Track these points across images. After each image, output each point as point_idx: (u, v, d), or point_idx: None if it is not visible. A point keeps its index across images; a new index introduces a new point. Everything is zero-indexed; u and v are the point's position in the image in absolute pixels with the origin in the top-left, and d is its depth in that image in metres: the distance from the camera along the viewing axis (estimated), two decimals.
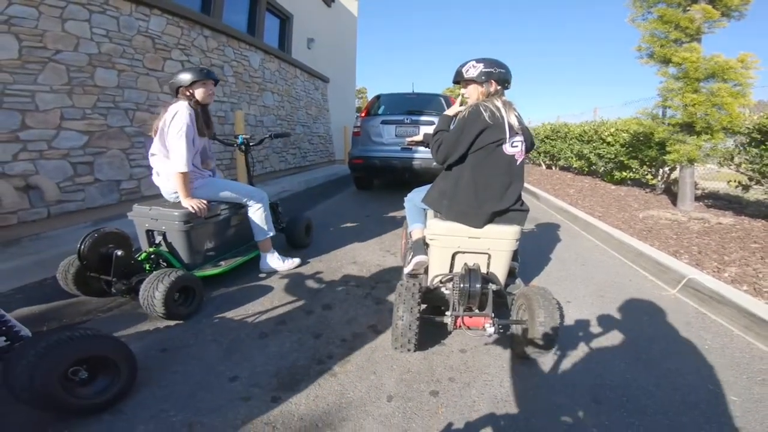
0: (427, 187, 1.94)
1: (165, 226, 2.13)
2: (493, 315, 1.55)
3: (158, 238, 2.19)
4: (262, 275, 2.51)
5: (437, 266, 1.77)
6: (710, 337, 1.84)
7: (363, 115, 5.59)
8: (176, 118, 2.08)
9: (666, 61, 4.02)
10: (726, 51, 4.09)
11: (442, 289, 1.74)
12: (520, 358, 1.61)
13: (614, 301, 2.23)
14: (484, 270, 1.69)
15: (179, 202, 2.24)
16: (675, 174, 4.90)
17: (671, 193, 4.95)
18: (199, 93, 2.21)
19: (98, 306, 2.01)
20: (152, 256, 2.09)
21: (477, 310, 1.59)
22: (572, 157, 7.60)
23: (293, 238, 2.99)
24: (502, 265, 1.72)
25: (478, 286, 1.51)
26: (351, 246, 3.17)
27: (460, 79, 1.75)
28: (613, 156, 6.04)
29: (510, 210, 1.69)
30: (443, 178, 1.82)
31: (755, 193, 4.23)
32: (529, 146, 1.74)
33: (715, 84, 3.71)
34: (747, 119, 3.85)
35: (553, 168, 9.04)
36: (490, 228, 1.66)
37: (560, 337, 1.59)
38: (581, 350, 1.72)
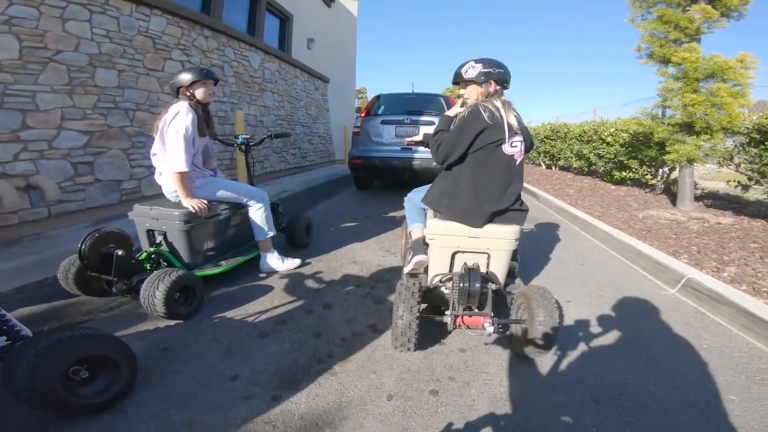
0: (427, 187, 1.94)
1: (166, 226, 2.14)
2: (492, 314, 1.56)
3: (159, 238, 2.19)
4: (262, 275, 2.51)
5: (437, 266, 1.77)
6: (709, 337, 1.85)
7: (363, 115, 5.59)
8: (176, 119, 2.09)
9: (665, 61, 4.02)
10: (725, 51, 4.10)
11: (442, 289, 1.75)
12: (520, 357, 1.62)
13: (613, 301, 2.23)
14: (483, 269, 1.69)
15: (180, 201, 2.24)
16: (675, 174, 4.91)
17: (671, 193, 4.96)
18: (199, 93, 2.22)
19: (99, 306, 2.02)
20: (153, 255, 2.09)
21: (476, 310, 1.60)
22: (572, 157, 7.60)
23: (293, 238, 2.99)
24: (502, 264, 1.72)
25: (478, 285, 1.51)
26: (351, 246, 3.18)
27: (459, 80, 1.76)
28: (612, 156, 6.05)
29: (509, 210, 1.69)
30: (443, 178, 1.82)
31: (755, 193, 4.24)
32: (529, 146, 1.75)
33: (714, 84, 3.72)
34: (746, 119, 3.85)
35: (553, 168, 9.04)
36: (490, 228, 1.66)
37: (560, 337, 1.60)
38: (580, 350, 1.73)
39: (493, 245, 1.68)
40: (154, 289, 1.75)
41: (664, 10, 4.00)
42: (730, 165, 4.17)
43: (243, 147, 2.81)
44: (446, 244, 1.71)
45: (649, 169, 5.52)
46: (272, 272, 2.55)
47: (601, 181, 6.46)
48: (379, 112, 5.65)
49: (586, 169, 7.16)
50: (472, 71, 1.68)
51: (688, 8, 3.94)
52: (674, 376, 1.54)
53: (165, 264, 2.11)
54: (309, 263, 2.75)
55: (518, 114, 1.70)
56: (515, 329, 1.67)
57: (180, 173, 2.09)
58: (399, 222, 3.85)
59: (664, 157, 4.32)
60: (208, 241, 2.34)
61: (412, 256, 1.90)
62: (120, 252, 1.90)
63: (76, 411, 1.22)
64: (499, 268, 1.73)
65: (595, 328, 1.92)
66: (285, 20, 8.18)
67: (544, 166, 9.55)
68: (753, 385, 1.49)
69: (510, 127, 1.62)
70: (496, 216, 1.68)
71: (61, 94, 3.12)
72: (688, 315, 2.08)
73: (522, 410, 1.34)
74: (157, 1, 4.10)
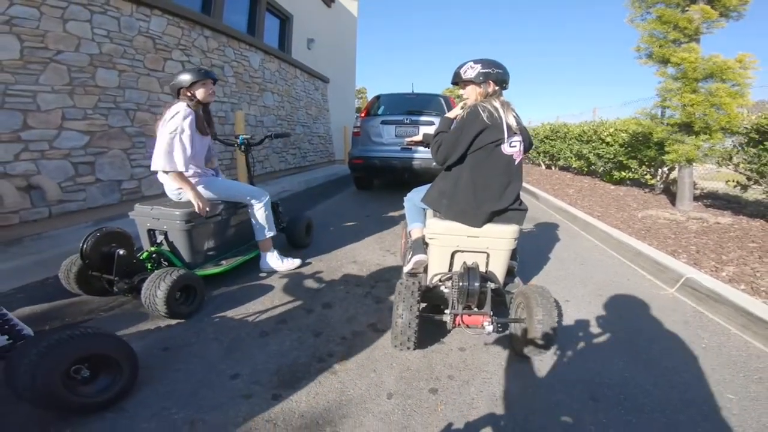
0: (427, 186, 1.95)
1: (167, 226, 2.14)
2: (491, 313, 1.56)
3: (160, 238, 2.20)
4: (262, 274, 2.52)
5: (436, 265, 1.78)
6: (708, 336, 1.86)
7: (363, 115, 5.60)
8: (173, 119, 2.10)
9: (665, 62, 4.03)
10: (725, 51, 4.10)
11: (442, 288, 1.76)
12: (519, 356, 1.63)
13: (612, 300, 2.24)
14: (483, 269, 1.70)
15: (182, 201, 2.26)
16: (674, 174, 4.92)
17: (670, 192, 4.97)
18: (199, 93, 2.23)
19: (100, 305, 2.03)
20: (154, 255, 2.10)
21: (476, 309, 1.60)
22: (571, 157, 7.61)
23: (293, 237, 3.00)
24: (501, 264, 1.73)
25: (477, 284, 1.52)
26: (351, 245, 3.19)
27: (458, 80, 1.77)
28: (612, 156, 6.06)
29: (509, 209, 1.70)
30: (442, 178, 1.83)
31: (754, 193, 4.24)
32: (528, 146, 1.76)
33: (713, 84, 3.72)
34: (745, 119, 3.86)
35: (553, 168, 9.05)
36: (489, 227, 1.67)
37: (559, 336, 1.60)
38: (579, 349, 1.73)
39: (492, 245, 1.68)
40: (156, 289, 1.76)
41: (663, 11, 4.01)
42: (729, 165, 4.18)
43: (243, 147, 2.82)
44: (446, 243, 1.72)
45: (648, 169, 5.53)
46: (272, 272, 2.56)
47: (600, 181, 6.47)
48: (379, 112, 5.66)
49: (585, 169, 7.18)
50: (471, 72, 1.69)
51: (687, 8, 3.95)
52: (673, 375, 1.55)
53: (166, 263, 2.12)
54: (309, 263, 2.75)
55: (517, 114, 1.70)
56: (514, 328, 1.68)
57: (166, 172, 2.10)
58: (399, 222, 3.86)
59: (663, 157, 4.33)
60: (209, 241, 2.35)
61: (412, 256, 1.90)
62: (121, 251, 1.91)
63: (77, 410, 1.22)
64: (498, 267, 1.74)
65: (594, 328, 1.93)
66: (285, 20, 8.19)
67: (543, 166, 9.56)
68: (751, 383, 1.50)
69: (509, 127, 1.63)
70: (495, 216, 1.68)
71: (61, 94, 3.13)
72: (687, 314, 2.08)
73: (521, 409, 1.34)
74: (158, 2, 4.11)
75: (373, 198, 5.55)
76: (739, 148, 4.03)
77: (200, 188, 2.28)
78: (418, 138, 2.20)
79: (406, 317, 1.50)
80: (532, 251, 3.08)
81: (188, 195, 2.16)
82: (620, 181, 6.00)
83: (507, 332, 1.80)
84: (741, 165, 4.03)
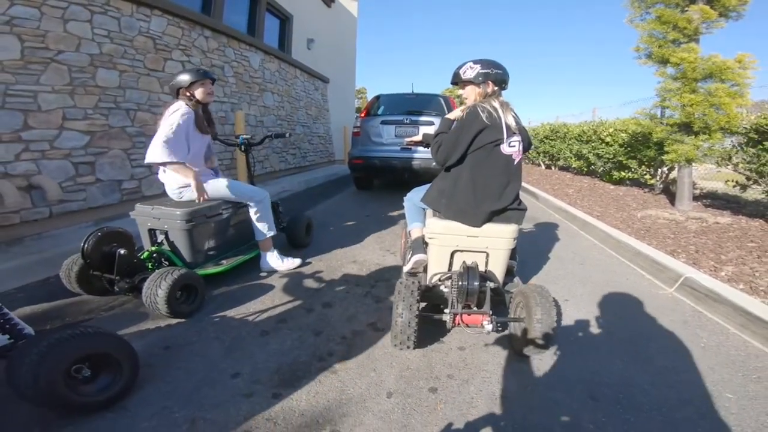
0: (426, 186, 1.96)
1: (167, 225, 2.15)
2: (491, 313, 1.57)
3: (160, 237, 2.21)
4: (262, 274, 2.53)
5: (436, 264, 1.78)
6: (706, 336, 1.86)
7: (363, 115, 5.60)
8: (173, 115, 2.12)
9: (664, 62, 4.04)
10: (724, 51, 4.10)
11: (441, 287, 1.76)
12: (518, 355, 1.63)
13: (611, 300, 2.25)
14: (482, 268, 1.71)
15: (182, 200, 2.27)
16: (673, 174, 4.93)
17: (669, 192, 4.97)
18: (198, 93, 2.25)
19: (101, 304, 2.03)
20: (155, 254, 2.11)
21: (475, 308, 1.61)
22: (571, 157, 7.62)
23: (294, 237, 3.01)
24: (500, 263, 1.74)
25: (476, 283, 1.53)
26: (351, 245, 3.19)
27: (457, 81, 1.77)
28: (611, 156, 6.06)
29: (508, 209, 1.71)
30: (442, 177, 1.84)
31: (753, 193, 4.25)
32: (527, 146, 1.76)
33: (712, 84, 3.73)
34: (744, 119, 3.87)
35: (553, 168, 9.06)
36: (489, 227, 1.67)
37: (558, 335, 1.61)
38: (578, 348, 1.74)
39: (491, 244, 1.69)
40: (157, 288, 1.76)
41: (662, 11, 4.01)
42: (728, 165, 4.19)
43: (243, 147, 2.83)
44: (445, 243, 1.72)
45: (647, 169, 5.53)
46: (273, 271, 2.56)
47: (600, 181, 6.48)
48: (379, 112, 5.67)
49: (585, 169, 7.18)
50: (470, 72, 1.69)
51: (686, 9, 3.96)
52: (671, 374, 1.55)
53: (167, 263, 2.13)
54: (309, 263, 2.76)
55: (516, 114, 1.71)
56: (514, 328, 1.68)
57: (165, 165, 2.10)
58: (399, 221, 3.86)
59: (662, 157, 4.34)
60: (210, 241, 2.35)
61: (412, 255, 1.91)
62: (122, 251, 1.92)
63: (78, 409, 1.23)
64: (497, 266, 1.74)
65: (592, 327, 1.94)
66: (285, 20, 8.20)
67: (543, 166, 9.56)
68: (749, 383, 1.51)
69: (508, 127, 1.64)
70: (494, 215, 1.69)
71: (62, 94, 3.14)
72: (686, 314, 2.09)
73: (520, 408, 1.35)
74: (158, 2, 4.11)
75: (373, 198, 5.56)
76: (739, 148, 4.04)
77: None
78: (418, 138, 2.20)
79: (406, 316, 1.50)
80: (532, 251, 3.09)
81: (191, 183, 2.14)
82: (620, 181, 6.01)
83: (506, 332, 1.80)
84: (740, 165, 4.04)
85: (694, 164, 4.17)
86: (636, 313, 2.11)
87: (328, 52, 10.60)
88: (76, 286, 1.98)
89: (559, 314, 1.97)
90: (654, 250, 2.82)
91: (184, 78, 2.21)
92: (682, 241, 3.07)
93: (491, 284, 1.65)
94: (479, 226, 1.67)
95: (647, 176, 5.51)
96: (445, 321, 1.60)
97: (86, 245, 1.88)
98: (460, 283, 1.55)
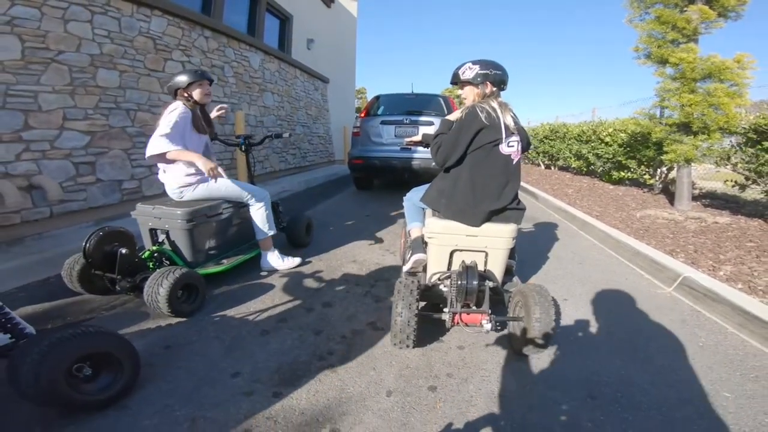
0: (426, 186, 1.96)
1: (168, 225, 2.16)
2: (490, 312, 1.58)
3: (161, 237, 2.22)
4: (263, 273, 2.53)
5: (435, 264, 1.79)
6: (705, 335, 1.87)
7: (362, 115, 5.61)
8: (170, 114, 2.15)
9: (663, 62, 4.05)
10: (723, 51, 4.11)
11: (440, 287, 1.77)
12: (517, 354, 1.64)
13: (610, 299, 2.25)
14: (481, 268, 1.72)
15: (183, 200, 2.28)
16: (673, 174, 4.94)
17: (669, 192, 4.98)
18: (196, 94, 2.28)
19: (102, 304, 2.04)
20: (156, 254, 2.12)
21: (474, 307, 1.62)
22: (571, 157, 7.63)
23: (294, 237, 3.02)
24: (499, 262, 1.74)
25: (475, 283, 1.53)
26: (351, 245, 3.20)
27: (456, 81, 1.78)
28: (611, 156, 6.07)
29: (507, 209, 1.71)
30: (441, 177, 1.84)
31: (752, 193, 4.26)
32: (525, 146, 1.77)
33: (711, 84, 3.74)
34: (743, 119, 3.88)
35: (552, 168, 9.07)
36: (488, 226, 1.68)
37: (557, 334, 1.62)
38: (577, 347, 1.75)
39: (490, 243, 1.70)
40: (158, 287, 1.77)
41: (661, 11, 4.02)
42: (727, 165, 4.20)
43: (244, 147, 2.84)
44: (444, 242, 1.73)
45: (647, 169, 5.54)
46: (273, 271, 2.57)
47: (599, 181, 6.49)
48: (379, 112, 5.67)
49: (584, 169, 7.19)
50: (469, 72, 1.70)
51: (685, 9, 3.96)
52: (669, 373, 1.56)
53: (167, 262, 2.14)
54: (309, 262, 2.77)
55: (515, 114, 1.72)
56: (513, 327, 1.69)
57: (157, 156, 2.10)
58: (398, 221, 3.87)
59: (661, 157, 4.34)
60: (210, 240, 2.36)
61: (411, 255, 1.92)
62: (124, 250, 1.93)
63: (79, 408, 1.23)
64: (496, 266, 1.75)
65: (591, 326, 1.95)
66: (285, 21, 8.20)
67: (543, 166, 9.57)
68: (747, 382, 1.51)
69: (506, 127, 1.64)
70: (493, 215, 1.70)
71: (62, 94, 3.14)
72: (684, 313, 2.10)
73: (519, 406, 1.36)
74: (158, 2, 4.12)
75: (373, 198, 5.57)
76: (738, 148, 4.05)
77: (201, 187, 2.31)
78: (418, 138, 2.21)
79: (406, 316, 1.51)
80: (531, 250, 3.10)
81: (198, 162, 2.12)
82: (619, 181, 6.02)
83: (505, 331, 1.81)
84: (739, 165, 4.05)
85: (693, 164, 4.18)
86: (635, 312, 2.11)
87: (328, 52, 10.61)
88: (78, 286, 1.99)
89: (557, 313, 1.97)
90: (653, 250, 2.83)
91: (182, 79, 2.24)
92: (681, 240, 3.08)
93: (490, 283, 1.66)
94: (478, 225, 1.67)
95: (646, 176, 5.52)
96: (445, 320, 1.61)
97: (88, 245, 1.88)
98: (459, 282, 1.55)
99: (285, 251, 2.75)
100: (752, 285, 2.19)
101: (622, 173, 5.81)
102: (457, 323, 1.61)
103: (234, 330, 1.82)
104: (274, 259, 2.57)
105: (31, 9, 2.93)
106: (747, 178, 3.97)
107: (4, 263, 2.29)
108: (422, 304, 1.80)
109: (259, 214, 2.49)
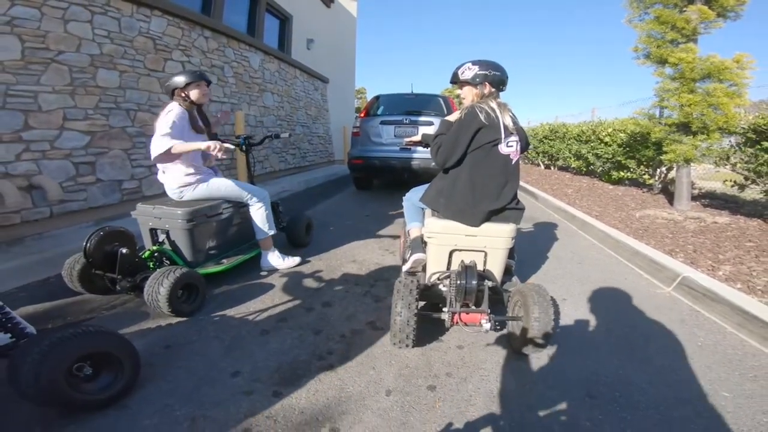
0: (425, 186, 1.97)
1: (168, 225, 2.16)
2: (489, 311, 1.58)
3: (162, 237, 2.22)
4: (263, 273, 2.54)
5: (435, 264, 1.79)
6: (703, 335, 1.87)
7: (362, 115, 5.61)
8: (167, 115, 2.16)
9: (662, 62, 4.05)
10: (722, 52, 4.11)
11: (440, 286, 1.77)
12: (516, 354, 1.64)
13: (609, 299, 2.26)
14: (480, 267, 1.72)
15: (183, 200, 2.28)
16: (672, 174, 4.94)
17: (668, 192, 4.99)
18: (193, 94, 2.29)
19: (102, 304, 2.04)
20: (156, 254, 2.12)
21: (474, 307, 1.62)
22: (570, 157, 7.63)
23: (294, 236, 3.02)
24: (498, 262, 1.75)
25: (475, 282, 1.54)
26: (350, 245, 3.20)
27: (456, 80, 1.79)
28: (610, 156, 6.08)
29: (506, 208, 1.72)
30: (441, 177, 1.85)
31: (751, 193, 4.26)
32: (524, 146, 1.78)
33: (710, 84, 3.74)
34: (742, 119, 3.88)
35: (552, 168, 9.07)
36: (487, 226, 1.69)
37: (555, 334, 1.62)
38: (576, 347, 1.75)
39: (489, 243, 1.70)
40: (158, 287, 1.77)
41: (661, 11, 4.03)
42: (726, 165, 4.20)
43: (244, 147, 2.84)
44: (444, 242, 1.74)
45: (646, 169, 5.55)
46: (273, 270, 2.57)
47: (599, 181, 6.49)
48: (379, 112, 5.68)
49: (584, 169, 7.20)
50: (468, 72, 1.71)
51: (684, 9, 3.97)
52: (668, 372, 1.57)
53: (168, 262, 2.14)
54: (309, 262, 2.77)
55: (514, 114, 1.72)
56: (512, 326, 1.69)
57: (165, 152, 2.08)
58: (398, 221, 3.87)
59: (661, 157, 4.34)
60: (210, 240, 2.36)
61: (411, 254, 1.92)
62: (124, 250, 1.93)
63: (80, 407, 1.24)
64: (495, 265, 1.75)
65: (590, 326, 1.95)
66: (285, 21, 8.21)
67: (542, 166, 9.58)
68: (746, 382, 1.52)
69: (506, 127, 1.65)
70: (492, 215, 1.70)
71: (62, 94, 3.15)
72: (683, 313, 2.10)
73: (518, 405, 1.36)
74: (158, 2, 4.12)
75: (373, 198, 5.57)
76: (737, 147, 4.05)
77: (201, 187, 2.31)
78: (417, 138, 2.22)
79: (405, 315, 1.52)
80: (530, 250, 3.10)
81: (204, 146, 2.09)
82: (618, 181, 6.02)
83: (504, 330, 1.82)
84: (738, 165, 4.05)
85: (692, 164, 4.19)
86: (634, 312, 2.12)
87: (328, 53, 10.61)
88: (78, 285, 1.99)
89: (557, 313, 1.98)
90: (652, 250, 2.84)
91: (180, 79, 2.26)
92: (680, 240, 3.08)
93: (489, 283, 1.66)
94: (477, 225, 1.68)
95: (646, 176, 5.53)
96: (444, 320, 1.61)
97: (88, 244, 1.89)
98: (458, 282, 1.56)
99: (285, 251, 2.76)
100: (751, 285, 2.19)
101: (622, 173, 5.81)
102: (457, 323, 1.61)
103: (234, 330, 1.83)
104: (274, 258, 2.58)
105: (31, 9, 2.93)
106: (746, 178, 3.98)
107: (5, 263, 2.29)
108: (422, 303, 1.81)
109: (259, 214, 2.50)
